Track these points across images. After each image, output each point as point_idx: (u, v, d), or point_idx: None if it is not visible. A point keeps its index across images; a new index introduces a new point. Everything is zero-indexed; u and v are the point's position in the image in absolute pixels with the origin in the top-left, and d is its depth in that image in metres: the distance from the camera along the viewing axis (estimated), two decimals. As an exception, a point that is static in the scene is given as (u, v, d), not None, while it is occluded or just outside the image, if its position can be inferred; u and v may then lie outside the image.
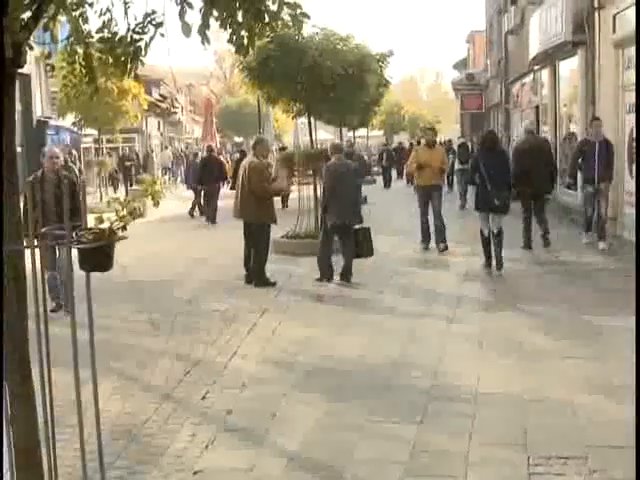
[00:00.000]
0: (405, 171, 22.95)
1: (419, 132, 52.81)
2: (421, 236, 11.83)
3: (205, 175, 17.30)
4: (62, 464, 3.32)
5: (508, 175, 9.73)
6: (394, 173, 29.90)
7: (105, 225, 2.93)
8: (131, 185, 25.16)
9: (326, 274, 9.32)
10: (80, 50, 3.40)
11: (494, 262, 9.61)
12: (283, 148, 20.69)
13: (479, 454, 4.16)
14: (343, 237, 9.41)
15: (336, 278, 9.30)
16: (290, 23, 3.19)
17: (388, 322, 7.33)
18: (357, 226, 9.39)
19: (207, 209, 17.24)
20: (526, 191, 10.93)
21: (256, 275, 9.22)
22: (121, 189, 25.90)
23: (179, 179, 32.42)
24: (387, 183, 27.96)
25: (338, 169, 9.30)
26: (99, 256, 2.91)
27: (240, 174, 9.48)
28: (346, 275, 9.27)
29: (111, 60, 3.34)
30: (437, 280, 9.36)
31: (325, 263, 9.35)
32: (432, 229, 11.68)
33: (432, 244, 11.66)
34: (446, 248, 11.31)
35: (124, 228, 2.98)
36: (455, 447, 4.26)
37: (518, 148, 12.28)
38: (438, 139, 39.19)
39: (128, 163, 27.54)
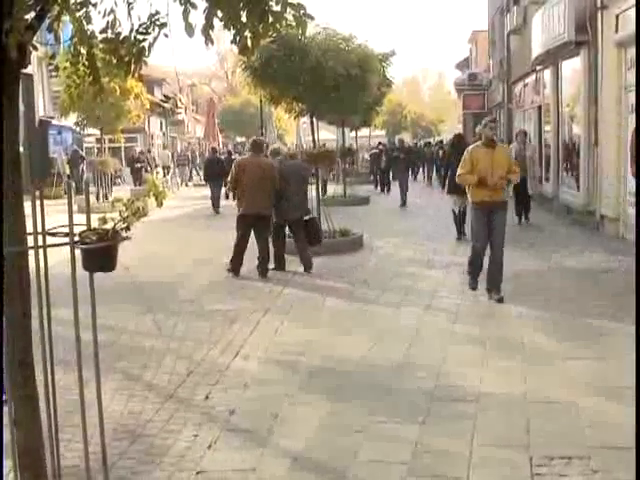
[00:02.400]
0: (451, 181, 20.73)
1: (421, 131, 52.80)
2: (469, 270, 8.62)
3: (209, 171, 20.16)
4: (65, 464, 3.33)
5: None
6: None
7: (109, 226, 2.94)
8: (140, 185, 25.19)
9: (281, 264, 10.01)
10: (84, 50, 3.40)
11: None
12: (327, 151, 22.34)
13: (482, 455, 4.16)
14: (295, 230, 10.19)
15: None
16: (294, 23, 3.19)
17: (390, 322, 7.33)
18: (306, 217, 10.21)
19: (214, 200, 19.81)
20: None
21: (265, 263, 9.83)
22: (114, 189, 25.69)
23: (179, 179, 32.24)
24: (386, 187, 25.90)
25: (285, 170, 10.01)
26: (103, 257, 2.92)
27: (251, 172, 9.67)
28: (308, 266, 9.96)
29: (115, 60, 3.34)
30: (439, 281, 9.34)
31: (280, 254, 10.07)
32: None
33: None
34: (501, 300, 7.92)
35: (128, 229, 2.98)
36: (458, 448, 4.26)
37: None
38: (440, 139, 37.92)
39: (138, 165, 27.49)
